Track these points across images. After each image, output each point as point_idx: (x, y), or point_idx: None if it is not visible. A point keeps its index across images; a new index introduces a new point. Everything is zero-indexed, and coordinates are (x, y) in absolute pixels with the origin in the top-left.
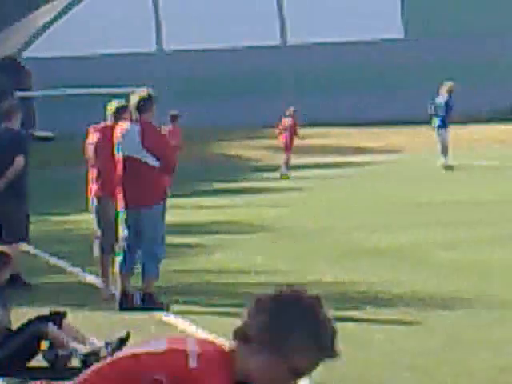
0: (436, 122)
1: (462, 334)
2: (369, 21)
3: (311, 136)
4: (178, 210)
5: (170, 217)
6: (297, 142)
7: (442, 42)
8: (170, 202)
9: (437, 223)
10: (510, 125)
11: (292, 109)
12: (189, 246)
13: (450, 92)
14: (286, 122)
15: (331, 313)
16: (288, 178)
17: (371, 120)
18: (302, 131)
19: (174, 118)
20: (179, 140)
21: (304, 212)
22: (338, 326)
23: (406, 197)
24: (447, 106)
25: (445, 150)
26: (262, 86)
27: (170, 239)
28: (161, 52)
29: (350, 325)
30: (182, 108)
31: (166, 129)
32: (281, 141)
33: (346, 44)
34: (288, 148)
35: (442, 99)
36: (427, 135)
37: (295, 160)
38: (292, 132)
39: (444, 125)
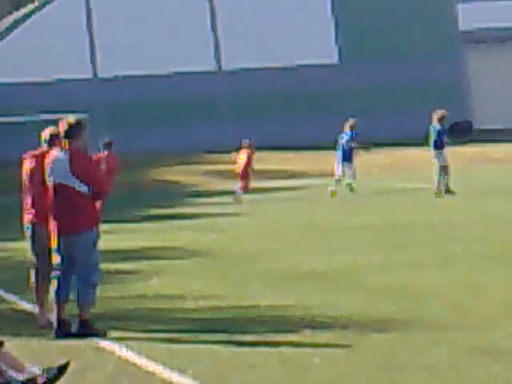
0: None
1: (397, 357)
2: (304, 46)
3: None
4: (113, 236)
5: (107, 242)
6: (227, 167)
7: (377, 65)
8: (105, 227)
9: (371, 246)
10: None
11: (247, 141)
12: (125, 271)
13: (441, 121)
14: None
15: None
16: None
17: (307, 144)
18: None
19: (107, 146)
20: (115, 165)
21: (240, 236)
22: (276, 350)
23: (340, 220)
24: (439, 133)
25: (446, 171)
26: (198, 112)
27: (107, 265)
28: (96, 78)
29: (288, 349)
30: (118, 134)
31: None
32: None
33: (281, 69)
34: (243, 176)
35: (436, 127)
36: (360, 159)
37: (231, 185)
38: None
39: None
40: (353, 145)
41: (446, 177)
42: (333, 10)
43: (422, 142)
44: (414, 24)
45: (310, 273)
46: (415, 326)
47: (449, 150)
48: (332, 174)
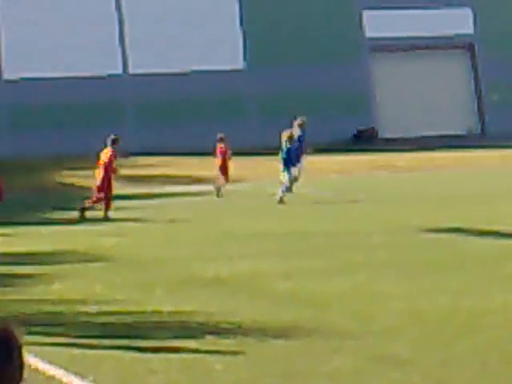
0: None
1: (298, 364)
2: (210, 51)
3: (152, 165)
4: (15, 239)
5: (7, 246)
6: (136, 171)
7: (283, 71)
8: (7, 231)
9: (275, 253)
10: (349, 155)
11: (220, 135)
12: (27, 275)
13: (301, 126)
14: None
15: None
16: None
17: (209, 150)
18: (143, 160)
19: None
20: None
21: (143, 241)
22: (177, 356)
23: (244, 227)
24: (300, 139)
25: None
26: (104, 117)
27: (8, 269)
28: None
29: (189, 355)
30: (23, 136)
31: None
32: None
33: (185, 74)
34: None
35: (295, 133)
36: (268, 165)
37: (134, 190)
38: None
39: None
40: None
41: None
42: (241, 18)
43: (326, 148)
44: (320, 30)
45: (213, 279)
46: (317, 333)
47: (354, 158)
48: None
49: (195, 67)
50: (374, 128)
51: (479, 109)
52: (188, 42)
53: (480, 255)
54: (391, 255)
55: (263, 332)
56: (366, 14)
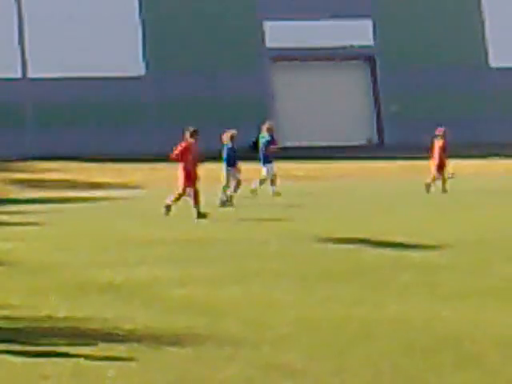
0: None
1: (191, 372)
2: (110, 57)
3: (51, 170)
4: None
5: None
6: (35, 175)
7: (184, 79)
8: None
9: (171, 260)
10: (249, 163)
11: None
12: None
13: (270, 131)
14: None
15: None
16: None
17: (111, 155)
18: (41, 164)
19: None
20: None
21: (37, 246)
22: (70, 361)
23: (140, 233)
24: (268, 143)
25: (274, 181)
26: (2, 119)
27: None
28: None
29: (82, 361)
30: None
31: None
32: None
33: (87, 79)
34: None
35: (265, 137)
36: (165, 172)
37: (31, 194)
38: None
39: (267, 160)
40: (271, 148)
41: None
42: (143, 24)
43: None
44: (221, 39)
45: (108, 285)
46: (210, 340)
47: (250, 167)
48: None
49: (95, 73)
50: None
51: (378, 120)
52: (89, 46)
53: (375, 265)
54: (286, 264)
55: (157, 339)
56: (267, 24)
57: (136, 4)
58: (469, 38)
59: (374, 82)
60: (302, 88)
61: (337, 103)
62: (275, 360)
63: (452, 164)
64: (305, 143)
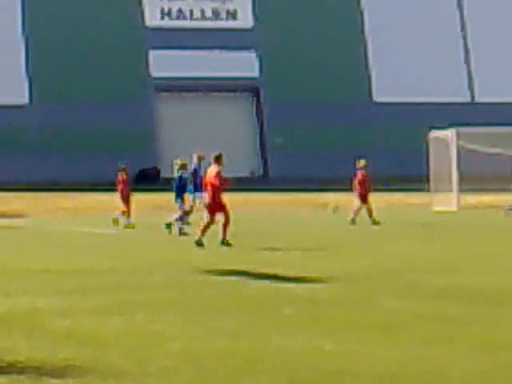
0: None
1: None
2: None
3: None
4: None
5: None
6: None
7: (69, 107)
8: None
9: (54, 291)
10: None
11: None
12: None
13: (199, 160)
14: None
15: None
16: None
17: None
18: None
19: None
20: None
21: None
22: None
23: (24, 263)
24: (196, 172)
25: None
26: None
27: None
28: None
29: None
30: None
31: None
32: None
33: None
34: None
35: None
36: (49, 201)
37: None
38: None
39: (196, 190)
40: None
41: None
42: (26, 53)
43: (108, 187)
44: (107, 68)
45: None
46: (93, 372)
47: (136, 197)
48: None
49: None
50: (156, 167)
51: (262, 152)
52: None
53: (258, 297)
54: (170, 295)
55: (39, 370)
56: (153, 53)
57: (19, 33)
58: (353, 74)
59: (259, 113)
60: (187, 118)
61: (222, 135)
62: None
63: (335, 198)
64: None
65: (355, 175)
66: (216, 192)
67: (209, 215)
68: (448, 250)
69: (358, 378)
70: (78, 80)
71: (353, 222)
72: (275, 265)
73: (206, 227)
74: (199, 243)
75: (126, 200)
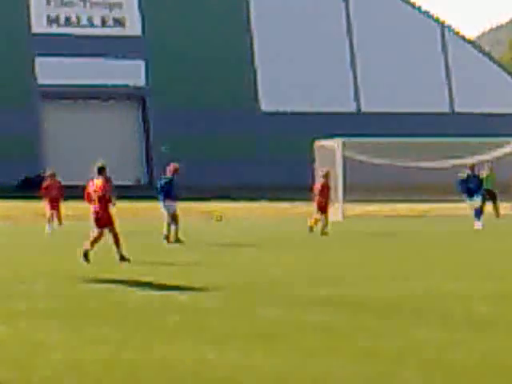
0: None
1: None
2: None
3: None
4: None
5: None
6: None
7: None
8: None
9: None
10: (14, 201)
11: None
12: None
13: (175, 171)
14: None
15: None
16: None
17: None
18: None
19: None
20: None
21: None
22: None
23: None
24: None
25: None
26: None
27: None
28: None
29: None
30: None
31: None
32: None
33: None
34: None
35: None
36: None
37: None
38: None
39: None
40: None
41: (176, 226)
42: None
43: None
44: None
45: None
46: None
47: (20, 205)
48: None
49: None
50: (40, 175)
51: (148, 160)
52: None
53: (142, 306)
54: (53, 304)
55: None
56: (39, 60)
57: None
58: (241, 83)
59: (146, 121)
60: (73, 126)
61: (109, 143)
62: None
63: (220, 207)
64: (75, 182)
65: (314, 184)
66: (106, 204)
67: (98, 229)
68: (332, 259)
69: None
70: None
71: (311, 229)
72: (157, 274)
73: (96, 240)
74: (86, 256)
75: (56, 205)
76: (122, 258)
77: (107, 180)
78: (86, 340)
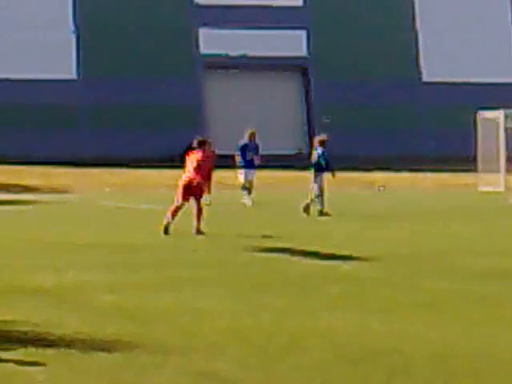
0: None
1: (121, 378)
2: (43, 60)
3: None
4: None
5: None
6: None
7: (118, 84)
8: None
9: (101, 265)
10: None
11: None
12: None
13: (322, 143)
14: None
15: None
16: None
17: (40, 159)
18: None
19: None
20: None
21: None
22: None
23: (72, 237)
24: (323, 155)
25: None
26: None
27: None
28: None
29: (11, 366)
30: None
31: None
32: None
33: (16, 81)
34: None
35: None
36: (96, 177)
37: None
38: None
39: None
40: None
41: (322, 198)
42: (77, 35)
43: (167, 162)
44: (156, 44)
45: (37, 289)
46: (140, 347)
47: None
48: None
49: (24, 75)
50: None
51: (310, 130)
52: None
53: (304, 275)
54: (216, 272)
55: (87, 344)
56: (202, 31)
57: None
58: (402, 53)
59: (307, 92)
60: (235, 96)
61: (270, 113)
62: (205, 368)
63: (382, 177)
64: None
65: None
66: (201, 176)
67: (182, 200)
68: (498, 231)
69: (406, 358)
70: (128, 57)
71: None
72: (319, 243)
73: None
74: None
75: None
76: (199, 232)
77: (210, 154)
78: (249, 307)
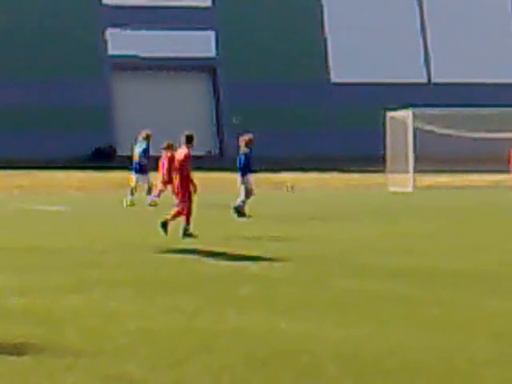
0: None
1: (31, 381)
2: None
3: None
4: None
5: None
6: None
7: (25, 83)
8: None
9: (9, 268)
10: (88, 172)
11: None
12: None
13: (248, 143)
14: None
15: None
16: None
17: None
18: None
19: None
20: None
21: None
22: None
23: None
24: (246, 157)
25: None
26: None
27: None
28: None
29: None
30: None
31: None
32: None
33: None
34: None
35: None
36: (3, 179)
37: None
38: None
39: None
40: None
41: (247, 199)
42: None
43: (75, 163)
44: (64, 44)
45: None
46: (50, 350)
47: (93, 175)
48: None
49: None
50: (111, 146)
51: (219, 131)
52: None
53: (213, 276)
54: (126, 274)
55: None
56: (110, 31)
57: None
58: (311, 54)
59: (216, 93)
60: (143, 97)
61: (179, 114)
62: (114, 370)
63: (291, 177)
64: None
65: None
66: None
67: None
68: (403, 230)
69: (314, 358)
70: (35, 58)
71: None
72: (229, 244)
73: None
74: (163, 226)
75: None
76: (186, 234)
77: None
78: (159, 309)
